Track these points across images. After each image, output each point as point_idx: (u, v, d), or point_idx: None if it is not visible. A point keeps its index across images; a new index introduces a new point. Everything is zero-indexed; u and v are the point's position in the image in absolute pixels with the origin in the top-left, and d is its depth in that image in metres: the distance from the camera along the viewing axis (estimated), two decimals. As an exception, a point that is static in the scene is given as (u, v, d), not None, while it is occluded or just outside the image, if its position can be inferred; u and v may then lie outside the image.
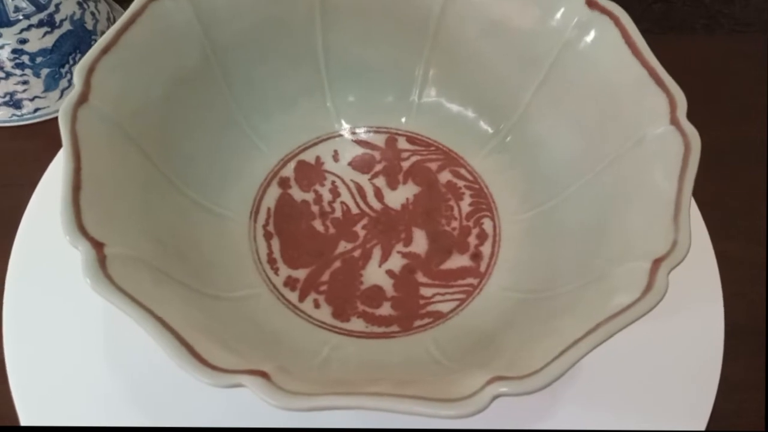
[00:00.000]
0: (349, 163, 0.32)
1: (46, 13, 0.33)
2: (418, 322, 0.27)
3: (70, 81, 0.35)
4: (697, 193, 0.29)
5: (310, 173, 0.32)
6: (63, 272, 0.25)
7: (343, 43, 0.31)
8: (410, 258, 0.29)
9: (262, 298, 0.27)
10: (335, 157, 0.32)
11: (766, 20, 0.42)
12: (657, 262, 0.20)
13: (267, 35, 0.30)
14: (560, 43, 0.28)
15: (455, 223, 0.30)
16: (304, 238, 0.30)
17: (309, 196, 0.31)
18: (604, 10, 0.27)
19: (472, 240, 0.30)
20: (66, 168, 0.21)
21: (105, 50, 0.24)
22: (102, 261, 0.20)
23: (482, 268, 0.29)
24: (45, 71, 0.34)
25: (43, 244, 0.28)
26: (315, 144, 0.32)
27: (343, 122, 0.33)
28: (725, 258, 0.30)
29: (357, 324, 0.27)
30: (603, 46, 0.27)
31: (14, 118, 0.35)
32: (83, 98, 0.23)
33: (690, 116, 0.24)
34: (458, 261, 0.29)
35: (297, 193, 0.31)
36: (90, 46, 0.33)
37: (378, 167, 0.32)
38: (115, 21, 0.36)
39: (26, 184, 0.31)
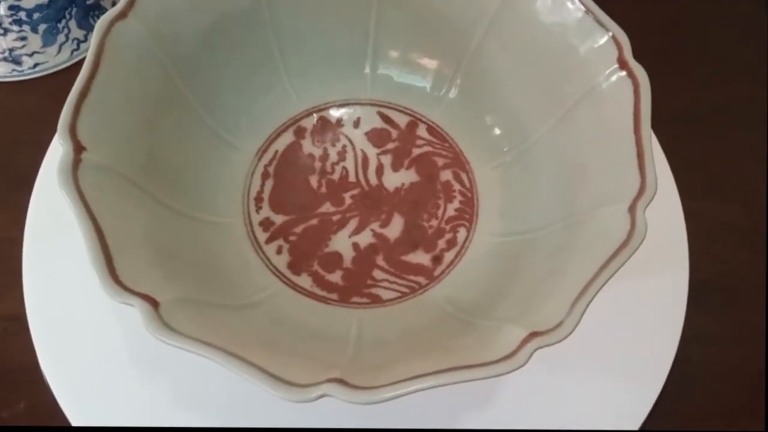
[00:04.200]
0: (366, 133, 0.34)
1: (40, -32, 0.33)
2: (356, 299, 0.30)
3: (67, 36, 0.36)
4: (671, 153, 0.32)
5: (327, 131, 0.34)
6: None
7: (395, 21, 0.32)
8: (379, 239, 0.31)
9: (233, 228, 0.30)
10: (356, 123, 0.34)
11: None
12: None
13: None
14: (588, 87, 0.28)
15: (434, 222, 0.32)
16: (296, 189, 0.32)
17: (317, 152, 0.33)
18: (630, 73, 0.26)
19: (441, 243, 0.31)
20: (81, 74, 0.25)
21: (157, -25, 0.27)
22: (76, 164, 0.23)
23: (436, 272, 0.30)
24: (42, 27, 0.34)
25: (59, 202, 0.26)
26: (342, 105, 0.34)
27: (374, 93, 0.34)
28: (696, 216, 0.32)
29: (304, 280, 0.30)
30: (614, 107, 0.26)
31: (15, 73, 0.36)
32: (122, 15, 0.26)
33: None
34: (419, 258, 0.31)
35: (307, 145, 0.33)
36: (85, 1, 0.35)
37: (390, 145, 0.33)
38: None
39: (32, 141, 0.32)
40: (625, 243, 0.22)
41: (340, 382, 0.20)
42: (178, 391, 0.28)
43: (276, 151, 0.33)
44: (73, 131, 0.24)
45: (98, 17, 0.35)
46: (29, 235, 0.30)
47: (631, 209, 0.23)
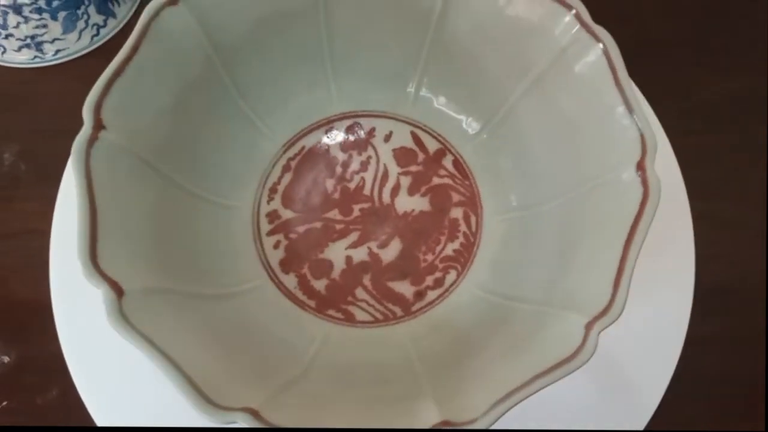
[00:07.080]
0: (394, 150, 0.34)
1: (58, -45, 0.33)
2: (331, 312, 0.31)
3: (86, 22, 0.37)
4: (680, 151, 0.32)
5: (357, 138, 0.34)
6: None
7: (444, 59, 0.32)
8: (373, 259, 0.32)
9: (239, 213, 0.32)
10: (387, 137, 0.34)
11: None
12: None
13: (387, 12, 0.31)
14: (606, 177, 0.27)
15: (430, 257, 0.32)
16: (311, 188, 0.33)
17: (342, 156, 0.34)
18: (645, 182, 0.25)
19: (429, 280, 0.32)
20: (120, 53, 0.26)
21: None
22: (91, 141, 0.25)
23: (414, 308, 0.31)
24: (62, 14, 0.35)
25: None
26: (377, 116, 0.34)
27: (413, 112, 0.34)
28: (704, 217, 0.31)
29: (290, 281, 0.32)
30: (617, 209, 0.25)
31: (37, 60, 0.37)
32: (173, 1, 0.27)
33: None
34: (404, 288, 0.32)
35: (334, 148, 0.34)
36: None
37: (413, 168, 0.34)
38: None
39: (57, 130, 0.30)
40: (566, 360, 0.22)
41: (256, 414, 0.22)
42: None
43: (303, 147, 0.34)
44: (98, 109, 0.25)
45: (117, 3, 0.37)
46: (57, 227, 0.31)
47: (588, 326, 0.23)
